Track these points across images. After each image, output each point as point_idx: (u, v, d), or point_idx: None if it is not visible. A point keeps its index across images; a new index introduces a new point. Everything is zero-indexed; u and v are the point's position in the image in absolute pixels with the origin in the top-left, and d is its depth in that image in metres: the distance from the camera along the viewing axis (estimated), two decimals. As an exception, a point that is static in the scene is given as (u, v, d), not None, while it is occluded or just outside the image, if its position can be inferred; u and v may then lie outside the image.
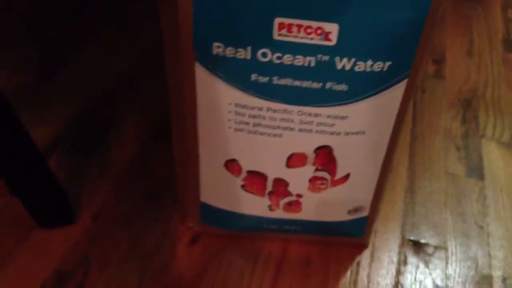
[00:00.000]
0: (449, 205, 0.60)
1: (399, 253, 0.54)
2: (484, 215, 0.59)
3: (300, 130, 0.42)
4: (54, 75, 0.76)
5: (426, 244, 0.55)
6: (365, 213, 0.50)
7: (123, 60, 0.81)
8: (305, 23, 0.36)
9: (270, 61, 0.38)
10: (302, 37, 0.37)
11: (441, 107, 0.78)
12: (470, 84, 0.84)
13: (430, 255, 0.54)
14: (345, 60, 0.38)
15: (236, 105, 0.42)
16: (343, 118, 0.42)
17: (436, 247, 0.55)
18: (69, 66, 0.78)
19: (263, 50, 0.38)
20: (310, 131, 0.42)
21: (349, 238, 0.53)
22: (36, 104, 0.70)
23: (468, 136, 0.72)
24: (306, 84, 0.39)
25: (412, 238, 0.56)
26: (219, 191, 0.49)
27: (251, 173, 0.46)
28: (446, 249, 0.55)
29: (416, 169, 0.66)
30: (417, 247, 0.55)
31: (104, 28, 0.89)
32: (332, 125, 0.42)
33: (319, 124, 0.42)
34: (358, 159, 0.45)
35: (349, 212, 0.49)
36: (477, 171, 0.66)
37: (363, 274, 0.52)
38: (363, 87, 0.40)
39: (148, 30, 0.88)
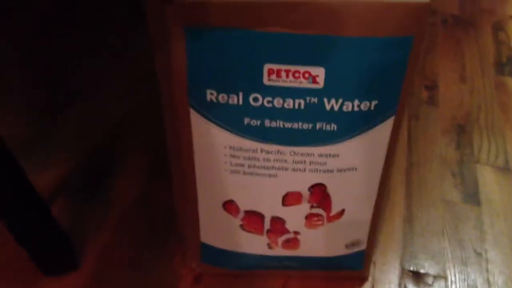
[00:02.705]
0: (447, 233, 0.61)
1: (399, 284, 0.55)
2: (482, 241, 0.60)
3: (294, 169, 0.44)
4: (55, 119, 0.78)
5: (425, 274, 0.56)
6: (363, 246, 0.51)
7: (125, 99, 0.83)
8: (293, 68, 0.38)
9: (262, 105, 0.40)
10: (291, 81, 0.39)
11: (436, 133, 0.79)
12: (464, 109, 0.85)
13: (430, 285, 0.55)
14: (333, 101, 0.39)
15: (231, 148, 0.43)
16: (334, 156, 0.43)
17: (436, 277, 0.55)
18: (70, 109, 0.80)
19: (255, 95, 0.39)
20: (303, 170, 0.44)
21: (348, 271, 0.53)
22: (40, 150, 0.72)
23: (463, 162, 0.73)
24: (297, 125, 0.41)
25: (411, 268, 0.56)
26: (219, 231, 0.50)
27: (249, 212, 0.47)
28: (445, 278, 0.55)
29: (413, 197, 0.66)
30: (417, 277, 0.55)
31: (105, 68, 0.91)
32: (324, 164, 0.43)
33: (311, 163, 0.43)
34: (352, 194, 0.46)
35: (346, 246, 0.50)
36: (473, 196, 0.67)
37: (364, 307, 0.52)
38: (352, 126, 0.41)
39: (150, 71, 0.90)
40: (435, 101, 0.87)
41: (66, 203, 0.64)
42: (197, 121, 0.42)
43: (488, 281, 0.55)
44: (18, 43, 0.97)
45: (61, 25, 1.03)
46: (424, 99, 0.88)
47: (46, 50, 0.96)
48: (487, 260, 0.58)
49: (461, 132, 0.80)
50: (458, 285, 0.55)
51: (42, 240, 0.51)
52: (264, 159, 0.43)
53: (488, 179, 0.70)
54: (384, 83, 0.39)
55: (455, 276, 0.56)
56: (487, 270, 0.56)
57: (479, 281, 0.55)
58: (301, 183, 0.45)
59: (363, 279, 0.55)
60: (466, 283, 0.55)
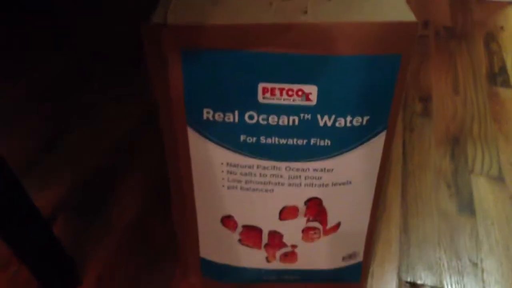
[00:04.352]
0: (443, 243, 0.62)
1: (397, 295, 0.55)
2: (478, 251, 0.61)
3: (290, 184, 0.45)
4: (57, 142, 0.79)
5: (422, 285, 0.56)
6: (359, 258, 0.52)
7: (124, 122, 0.84)
8: (287, 86, 0.39)
9: (257, 123, 0.41)
10: (284, 99, 0.40)
11: (430, 144, 0.80)
12: (457, 121, 0.87)
13: (427, 295, 0.56)
14: (326, 117, 0.41)
15: (228, 164, 0.44)
16: (329, 170, 0.44)
17: (433, 287, 0.56)
18: (72, 131, 0.82)
19: (250, 113, 0.41)
20: (299, 184, 0.45)
21: (346, 284, 0.54)
22: (40, 171, 0.73)
23: (457, 173, 0.74)
24: (291, 141, 0.42)
25: (408, 279, 0.57)
26: (218, 246, 0.50)
27: (246, 227, 0.48)
28: (442, 288, 0.56)
29: (409, 208, 0.67)
30: (414, 288, 0.56)
31: (105, 93, 0.92)
32: (319, 178, 0.44)
33: (307, 177, 0.44)
34: (347, 207, 0.47)
35: (343, 259, 0.51)
36: (468, 206, 0.67)
37: (362, 318, 0.53)
38: (345, 141, 0.42)
39: (148, 93, 0.91)
40: (429, 112, 0.89)
41: (67, 224, 0.64)
42: (194, 139, 0.43)
43: (484, 290, 0.56)
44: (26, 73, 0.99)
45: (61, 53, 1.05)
46: (418, 111, 0.89)
47: (48, 74, 0.97)
48: (482, 270, 0.58)
49: (455, 143, 0.81)
50: (454, 295, 0.56)
51: (44, 258, 0.52)
52: (260, 174, 0.44)
53: (482, 189, 0.71)
54: (375, 99, 0.41)
55: (451, 286, 0.56)
56: (483, 280, 0.57)
57: (475, 291, 0.56)
58: (297, 197, 0.46)
59: (361, 291, 0.55)
60: (462, 292, 0.56)
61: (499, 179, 0.73)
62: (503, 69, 1.03)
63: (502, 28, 1.19)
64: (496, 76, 1.01)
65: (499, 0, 1.32)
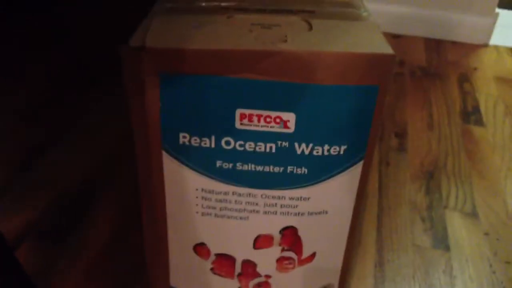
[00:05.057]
0: (417, 278, 0.61)
1: (371, 329, 0.55)
2: (452, 287, 0.60)
3: (265, 212, 0.44)
4: (28, 165, 0.77)
5: (396, 319, 0.56)
6: (334, 290, 0.51)
7: (98, 147, 0.83)
8: (265, 113, 0.39)
9: (234, 149, 0.41)
10: (262, 126, 0.40)
11: (405, 179, 0.81)
12: (432, 156, 0.88)
13: (401, 330, 0.55)
14: (303, 145, 0.41)
15: (203, 190, 0.43)
16: (305, 199, 0.44)
17: (407, 322, 0.56)
18: (44, 155, 0.80)
19: (227, 138, 0.40)
20: (274, 213, 0.44)
21: (320, 316, 0.53)
22: (7, 193, 0.71)
23: (432, 207, 0.74)
24: (268, 168, 0.42)
25: (383, 313, 0.57)
26: (189, 275, 0.49)
27: (219, 256, 0.47)
28: (416, 323, 0.56)
29: (384, 242, 0.67)
30: (388, 322, 0.55)
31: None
32: (295, 206, 0.44)
33: (283, 206, 0.44)
34: (323, 237, 0.47)
35: (318, 290, 0.50)
36: (442, 242, 0.68)
37: None
38: (322, 170, 0.42)
39: (123, 116, 0.90)
40: (405, 147, 0.90)
41: (33, 250, 0.62)
42: (169, 164, 0.42)
43: (458, 326, 0.56)
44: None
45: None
46: (394, 145, 0.90)
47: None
48: (457, 305, 0.58)
49: (430, 178, 0.82)
50: (429, 331, 0.55)
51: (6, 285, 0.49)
52: (235, 201, 0.44)
53: (456, 225, 0.71)
54: (353, 129, 0.41)
55: (425, 321, 0.56)
56: (457, 315, 0.57)
57: (450, 326, 0.56)
58: (273, 226, 0.45)
59: (335, 325, 0.54)
60: (436, 328, 0.55)
61: (473, 215, 0.73)
62: (476, 108, 1.06)
63: (475, 69, 1.23)
64: (469, 114, 1.03)
65: (473, 43, 1.37)
